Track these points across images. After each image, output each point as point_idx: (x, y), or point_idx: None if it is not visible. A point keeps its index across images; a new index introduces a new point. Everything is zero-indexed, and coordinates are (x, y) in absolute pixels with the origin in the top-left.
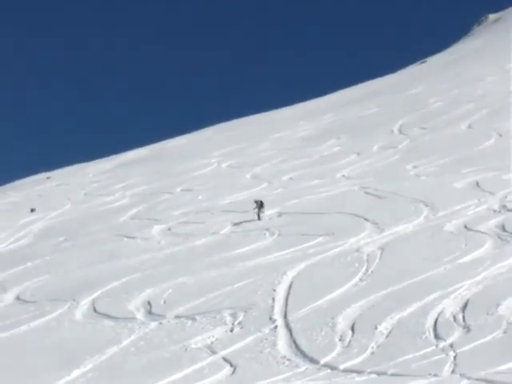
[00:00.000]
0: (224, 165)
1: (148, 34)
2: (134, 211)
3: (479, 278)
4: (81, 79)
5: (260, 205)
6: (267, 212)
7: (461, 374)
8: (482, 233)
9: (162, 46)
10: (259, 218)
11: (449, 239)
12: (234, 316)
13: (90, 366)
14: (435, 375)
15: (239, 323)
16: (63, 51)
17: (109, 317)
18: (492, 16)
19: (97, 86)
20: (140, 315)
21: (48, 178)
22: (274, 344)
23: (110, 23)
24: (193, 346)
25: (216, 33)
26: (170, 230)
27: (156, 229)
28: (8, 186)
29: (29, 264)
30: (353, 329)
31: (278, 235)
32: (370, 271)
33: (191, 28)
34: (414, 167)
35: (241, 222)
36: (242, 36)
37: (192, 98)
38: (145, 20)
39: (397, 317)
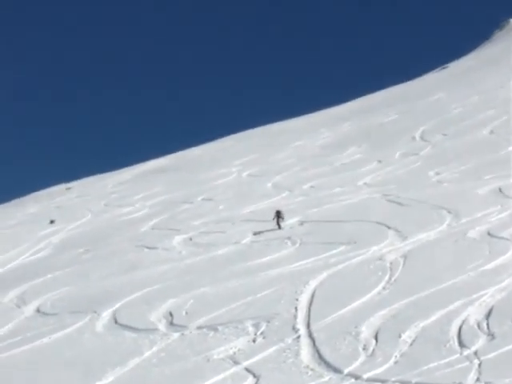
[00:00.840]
0: (244, 174)
1: (169, 41)
2: (154, 221)
3: (503, 284)
4: (101, 89)
5: (279, 214)
6: (288, 221)
7: (485, 382)
8: (505, 239)
9: (184, 55)
10: (279, 227)
11: (472, 246)
12: (256, 326)
13: (111, 378)
14: (460, 383)
15: (262, 333)
16: (85, 59)
17: (130, 328)
18: None
19: (117, 95)
20: (162, 326)
21: (68, 188)
22: (297, 354)
23: (134, 27)
24: (215, 356)
25: (237, 42)
26: (190, 239)
27: (177, 239)
28: (27, 197)
29: (49, 276)
30: (376, 337)
31: (300, 244)
32: (393, 279)
33: (212, 37)
34: (436, 174)
35: (262, 231)
36: (263, 44)
37: (212, 107)
38: (169, 26)
39: (421, 325)
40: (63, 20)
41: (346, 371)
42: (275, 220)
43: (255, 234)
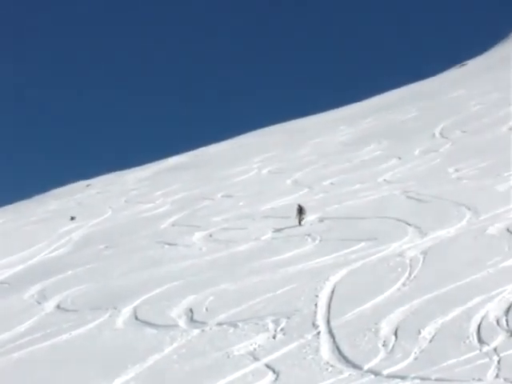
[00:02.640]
0: (264, 170)
1: (187, 38)
2: (174, 218)
3: None
4: (121, 86)
5: (300, 210)
6: (308, 218)
7: (505, 379)
8: None
9: (203, 50)
10: (300, 224)
11: (492, 243)
12: (276, 322)
13: (132, 375)
14: (479, 380)
15: (282, 329)
16: (100, 57)
17: (150, 324)
18: None
19: (136, 92)
20: (182, 322)
21: (88, 185)
22: (317, 350)
23: (145, 27)
24: (235, 353)
25: (255, 39)
26: (211, 236)
27: (197, 235)
28: (48, 194)
29: (69, 272)
30: (396, 334)
31: (320, 241)
32: (412, 276)
33: (230, 33)
34: (456, 171)
35: (282, 228)
36: (281, 41)
37: (232, 103)
38: (184, 25)
39: (440, 321)
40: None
41: (365, 367)
42: (297, 216)
43: (275, 230)
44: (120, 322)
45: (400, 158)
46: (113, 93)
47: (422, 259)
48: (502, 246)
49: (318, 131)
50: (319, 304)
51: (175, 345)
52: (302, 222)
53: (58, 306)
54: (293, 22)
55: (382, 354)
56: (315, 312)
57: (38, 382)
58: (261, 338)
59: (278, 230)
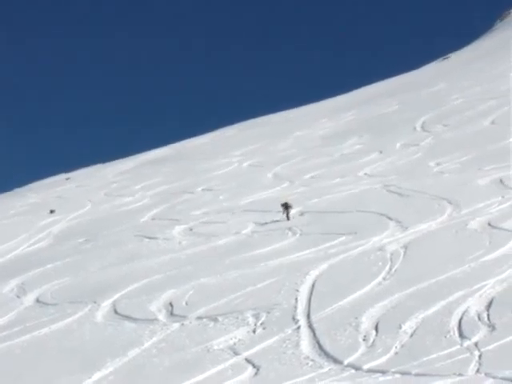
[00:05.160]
0: (245, 164)
1: (167, 31)
2: (154, 211)
3: (504, 275)
4: (101, 78)
5: (286, 206)
6: (284, 213)
7: (486, 374)
8: (506, 230)
9: (182, 44)
10: (288, 219)
11: (473, 237)
12: (256, 316)
13: (111, 369)
14: (460, 374)
15: (262, 324)
16: (84, 46)
17: (130, 318)
18: None
19: (116, 85)
20: (161, 316)
21: (67, 178)
22: (298, 344)
23: (128, 18)
24: (215, 347)
25: (236, 30)
26: (191, 230)
27: (177, 229)
28: (27, 187)
29: (49, 266)
30: (377, 328)
31: (300, 235)
32: (393, 270)
33: (210, 26)
34: (437, 164)
35: (263, 222)
36: (262, 34)
37: (214, 96)
38: (166, 17)
39: (421, 316)
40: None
41: (346, 362)
42: (284, 212)
43: (256, 224)
44: (99, 316)
45: (381, 152)
46: (93, 87)
47: (402, 253)
48: (483, 241)
49: (299, 125)
50: (299, 298)
51: (155, 339)
52: (290, 217)
53: (38, 300)
54: (272, 15)
55: (362, 349)
56: (295, 306)
57: (17, 375)
58: (241, 333)
59: (258, 224)
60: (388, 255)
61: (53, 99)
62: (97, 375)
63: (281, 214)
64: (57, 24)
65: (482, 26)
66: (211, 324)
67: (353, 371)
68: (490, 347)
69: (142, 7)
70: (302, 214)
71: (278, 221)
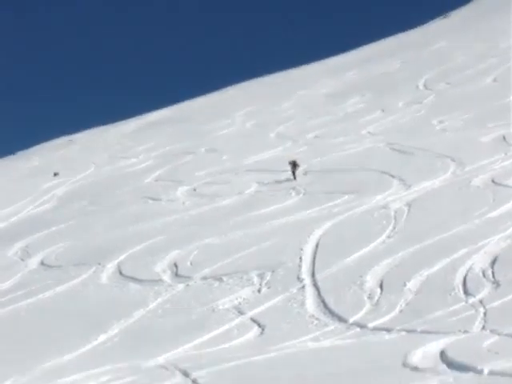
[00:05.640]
0: (248, 124)
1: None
2: (158, 173)
3: (508, 232)
4: (102, 38)
5: (294, 165)
6: (290, 172)
7: (491, 330)
8: (509, 187)
9: (181, 2)
10: (295, 178)
11: (476, 194)
12: (261, 276)
13: (116, 330)
14: (465, 331)
15: (267, 283)
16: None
17: (135, 280)
18: None
19: (118, 46)
20: (166, 277)
21: (70, 141)
22: (302, 303)
23: None
24: (220, 307)
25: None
26: (194, 190)
27: (180, 190)
28: (31, 150)
29: (53, 228)
30: (381, 287)
31: (304, 194)
32: (397, 228)
33: None
34: (440, 122)
35: (266, 182)
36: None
37: (214, 57)
38: None
39: (425, 273)
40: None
41: (351, 320)
42: (292, 170)
43: (259, 183)
44: (104, 277)
45: (383, 111)
46: (95, 46)
47: (406, 211)
48: (487, 198)
49: (301, 84)
50: (304, 257)
51: (160, 300)
52: (297, 176)
53: (42, 263)
54: None
55: (367, 307)
56: (300, 265)
57: (23, 339)
58: (246, 292)
59: (261, 184)
60: (392, 213)
61: (52, 61)
62: (102, 337)
63: (284, 173)
64: None
65: None
66: (216, 284)
67: (358, 329)
68: (495, 304)
69: None
70: (305, 173)
71: (281, 180)
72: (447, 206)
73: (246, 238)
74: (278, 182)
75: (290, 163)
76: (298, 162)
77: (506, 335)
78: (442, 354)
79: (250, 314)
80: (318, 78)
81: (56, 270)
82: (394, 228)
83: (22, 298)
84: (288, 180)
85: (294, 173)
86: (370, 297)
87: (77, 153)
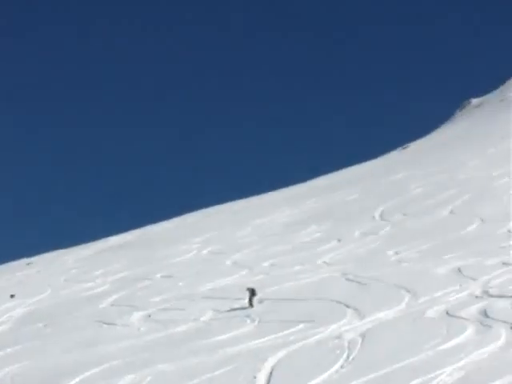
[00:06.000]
0: (205, 251)
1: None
2: (114, 297)
3: (461, 364)
4: (66, 163)
5: (252, 292)
6: (247, 299)
7: None
8: (463, 319)
9: (145, 130)
10: (252, 305)
11: (430, 326)
12: None
13: None
14: None
15: None
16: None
17: None
18: (475, 101)
19: (77, 172)
20: None
21: (28, 264)
22: None
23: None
24: None
25: (201, 109)
26: (149, 316)
27: (136, 315)
28: None
29: (9, 350)
30: None
31: (259, 322)
32: (351, 358)
33: (175, 107)
34: (396, 253)
35: (221, 309)
36: (226, 119)
37: (175, 183)
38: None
39: None
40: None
41: None
42: (248, 298)
43: (215, 311)
44: None
45: (339, 240)
46: (52, 176)
47: (360, 341)
48: (440, 329)
49: (260, 212)
50: None
51: None
52: (254, 304)
53: None
54: (236, 96)
55: None
56: None
57: None
58: None
59: (217, 311)
60: (346, 343)
61: (13, 185)
62: None
63: (240, 301)
64: None
65: (443, 116)
66: None
67: None
68: None
69: None
70: (261, 301)
71: (236, 308)
72: (401, 336)
73: (200, 365)
74: (234, 309)
75: (248, 290)
76: (256, 290)
77: None
78: None
79: None
80: (276, 207)
81: None
82: (348, 358)
83: None
84: (243, 308)
85: (251, 300)
86: None
87: (34, 275)
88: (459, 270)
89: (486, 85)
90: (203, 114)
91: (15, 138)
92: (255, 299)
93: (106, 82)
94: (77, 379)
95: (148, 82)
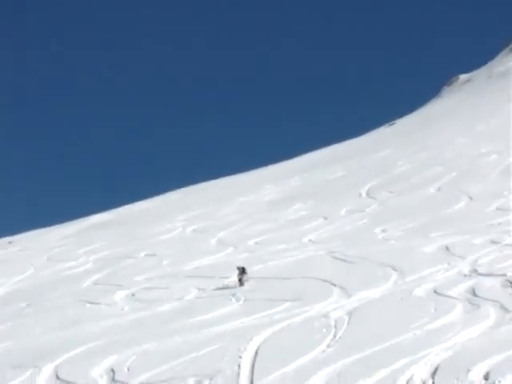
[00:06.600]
0: (189, 229)
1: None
2: (97, 276)
3: (449, 343)
4: (45, 140)
5: (242, 271)
6: (232, 278)
7: None
8: (452, 297)
9: (130, 106)
10: (241, 284)
11: (418, 304)
12: (199, 383)
13: None
14: None
15: None
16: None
17: None
18: (463, 76)
19: (59, 147)
20: (103, 382)
21: (10, 242)
22: None
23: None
24: None
25: (186, 94)
26: (133, 295)
27: (119, 294)
28: None
29: None
30: None
31: (244, 301)
32: (337, 337)
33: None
34: (383, 231)
35: (206, 288)
36: (209, 98)
37: (159, 160)
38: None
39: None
40: None
41: None
42: (239, 276)
43: (199, 289)
44: (41, 380)
45: (326, 218)
46: (35, 147)
47: (347, 320)
48: (428, 308)
49: (244, 190)
50: (242, 365)
51: None
52: (244, 282)
53: None
54: (227, 71)
55: None
56: (238, 373)
57: None
58: None
59: (201, 290)
60: (332, 322)
61: None
62: None
63: (224, 279)
64: None
65: (430, 92)
66: None
67: None
68: None
69: None
70: (246, 279)
71: (221, 287)
72: (388, 315)
73: (185, 344)
74: (218, 288)
75: (238, 268)
76: (246, 269)
77: None
78: None
79: None
80: (260, 185)
81: None
82: (335, 337)
83: None
84: (228, 287)
85: (240, 279)
86: None
87: (16, 254)
88: (447, 248)
89: (474, 61)
90: (187, 92)
91: None
92: (245, 278)
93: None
94: (60, 359)
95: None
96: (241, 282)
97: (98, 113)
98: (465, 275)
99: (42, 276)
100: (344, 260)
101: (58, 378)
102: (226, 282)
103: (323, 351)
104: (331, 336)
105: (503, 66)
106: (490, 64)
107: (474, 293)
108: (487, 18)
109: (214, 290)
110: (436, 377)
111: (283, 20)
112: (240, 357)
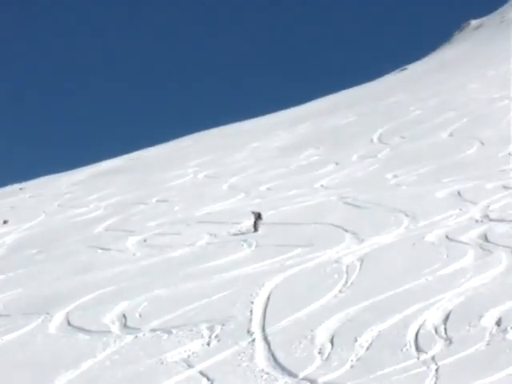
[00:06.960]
0: (200, 175)
1: (126, 42)
2: (108, 222)
3: (461, 289)
4: (53, 86)
5: (258, 216)
6: (245, 223)
7: None
8: (463, 243)
9: (141, 53)
10: (256, 230)
11: (430, 250)
12: (210, 329)
13: (64, 381)
14: None
15: (216, 336)
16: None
17: (83, 330)
18: (474, 22)
19: (70, 93)
20: (115, 328)
21: (21, 189)
22: (252, 357)
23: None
24: (169, 359)
25: (197, 40)
26: (145, 241)
27: (131, 240)
28: None
29: (1, 277)
30: (332, 342)
31: (256, 246)
32: (349, 283)
33: (173, 43)
34: (394, 177)
35: (218, 234)
36: (220, 44)
37: (169, 106)
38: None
39: (377, 329)
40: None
41: (301, 375)
42: (254, 222)
43: (211, 235)
44: (52, 327)
45: (337, 164)
46: (45, 95)
47: (358, 266)
48: (440, 253)
49: (255, 136)
50: (254, 311)
51: (108, 351)
52: (258, 228)
53: None
54: (237, 22)
55: (317, 362)
56: (250, 319)
57: None
58: (195, 345)
59: (213, 236)
60: (344, 268)
61: (8, 110)
62: None
63: (236, 225)
64: None
65: (441, 38)
66: (165, 336)
67: None
68: (447, 361)
69: None
70: (260, 225)
71: (233, 233)
72: (400, 261)
73: (197, 290)
74: (230, 234)
75: (253, 213)
76: (262, 214)
77: None
78: None
79: (199, 367)
80: (271, 131)
81: (4, 319)
82: (346, 283)
83: None
84: (240, 233)
85: (255, 224)
86: (321, 352)
87: (27, 201)
88: (459, 193)
89: (486, 6)
90: (198, 37)
91: None
92: (260, 223)
93: None
94: (71, 305)
95: None
96: (255, 227)
97: (109, 58)
98: (476, 221)
99: (53, 222)
100: (356, 205)
101: (69, 324)
102: (238, 227)
103: (335, 296)
104: (343, 281)
105: None
106: (501, 9)
107: (485, 238)
108: None
109: (225, 235)
110: (448, 322)
111: None
112: (252, 302)
